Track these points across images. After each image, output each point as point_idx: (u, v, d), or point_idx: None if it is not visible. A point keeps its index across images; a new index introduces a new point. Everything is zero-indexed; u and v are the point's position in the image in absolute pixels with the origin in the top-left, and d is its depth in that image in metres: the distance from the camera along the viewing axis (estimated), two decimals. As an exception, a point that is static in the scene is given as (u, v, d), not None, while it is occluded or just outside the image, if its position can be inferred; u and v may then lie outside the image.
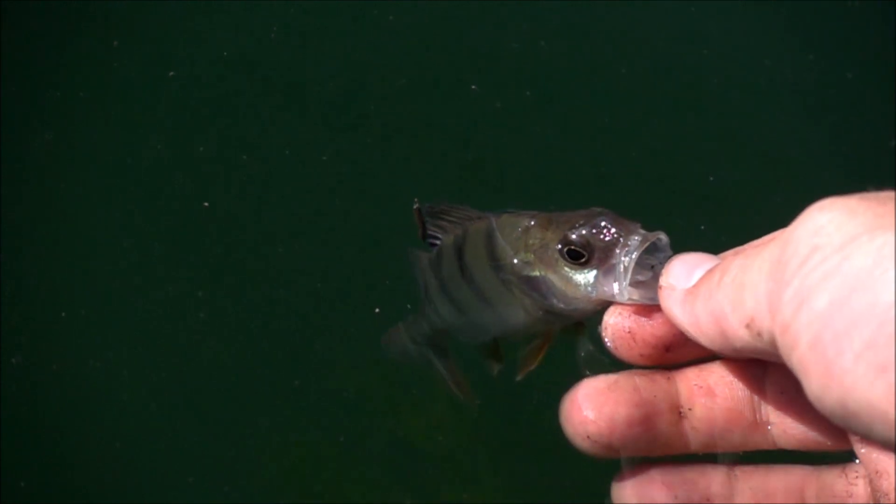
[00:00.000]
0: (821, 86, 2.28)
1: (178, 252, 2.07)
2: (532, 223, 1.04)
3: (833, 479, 0.86)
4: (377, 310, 1.45)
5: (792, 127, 2.25)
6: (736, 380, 0.87)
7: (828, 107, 2.27)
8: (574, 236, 0.97)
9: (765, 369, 0.86)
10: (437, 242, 1.20)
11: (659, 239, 0.91)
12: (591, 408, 0.84)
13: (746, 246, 0.80)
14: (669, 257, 0.88)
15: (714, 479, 0.88)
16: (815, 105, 2.27)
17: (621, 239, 0.94)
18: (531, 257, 1.03)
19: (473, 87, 2.27)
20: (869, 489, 0.84)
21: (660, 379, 0.87)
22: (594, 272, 0.95)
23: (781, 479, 0.88)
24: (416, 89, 2.28)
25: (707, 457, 0.89)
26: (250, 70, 2.29)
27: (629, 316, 0.87)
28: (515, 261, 1.05)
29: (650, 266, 0.90)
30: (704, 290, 0.78)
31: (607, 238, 0.94)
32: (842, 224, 0.67)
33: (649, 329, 0.86)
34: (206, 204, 2.11)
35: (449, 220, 1.19)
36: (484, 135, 2.23)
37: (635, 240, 0.92)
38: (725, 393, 0.87)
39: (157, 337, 1.98)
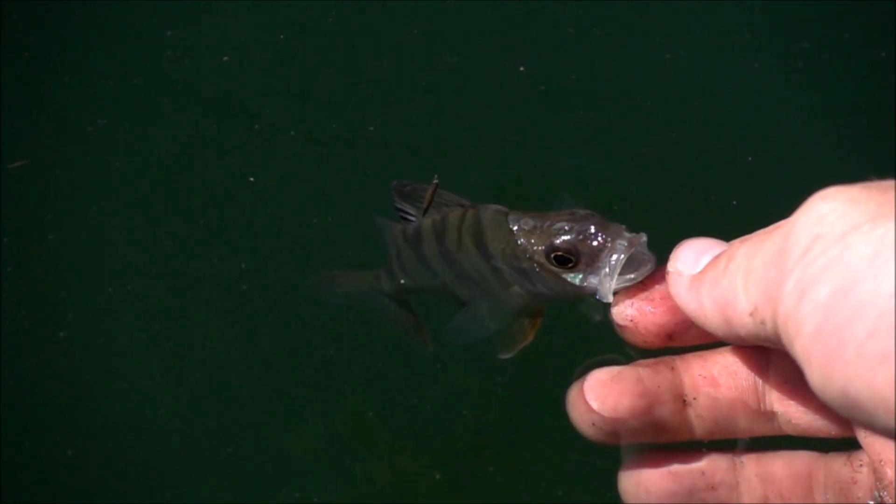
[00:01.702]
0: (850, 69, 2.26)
1: (223, 227, 2.10)
2: (517, 228, 1.07)
3: (839, 465, 0.86)
4: (402, 281, 1.47)
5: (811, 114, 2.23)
6: (740, 370, 0.87)
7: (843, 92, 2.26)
8: (560, 242, 1.00)
9: (768, 359, 0.87)
10: (412, 219, 1.24)
11: (642, 242, 0.94)
12: (595, 398, 0.85)
13: (754, 234, 0.80)
14: (644, 244, 0.92)
15: (719, 466, 0.89)
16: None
17: (607, 244, 0.97)
18: (520, 253, 1.06)
19: (522, 68, 2.28)
20: (873, 477, 0.84)
21: (663, 370, 0.88)
22: (581, 274, 0.99)
23: (787, 465, 0.88)
24: (466, 67, 2.28)
25: (713, 444, 0.90)
26: (303, 50, 2.32)
27: (632, 305, 0.88)
28: (505, 253, 1.08)
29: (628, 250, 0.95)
30: (710, 277, 0.79)
31: (593, 244, 0.97)
32: (844, 213, 0.67)
33: (651, 318, 0.87)
34: (252, 179, 2.14)
35: (424, 203, 1.22)
36: (525, 114, 2.23)
37: (621, 244, 0.95)
38: (729, 383, 0.87)
39: (201, 309, 2.01)
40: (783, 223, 0.73)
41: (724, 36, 2.32)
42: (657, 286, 0.88)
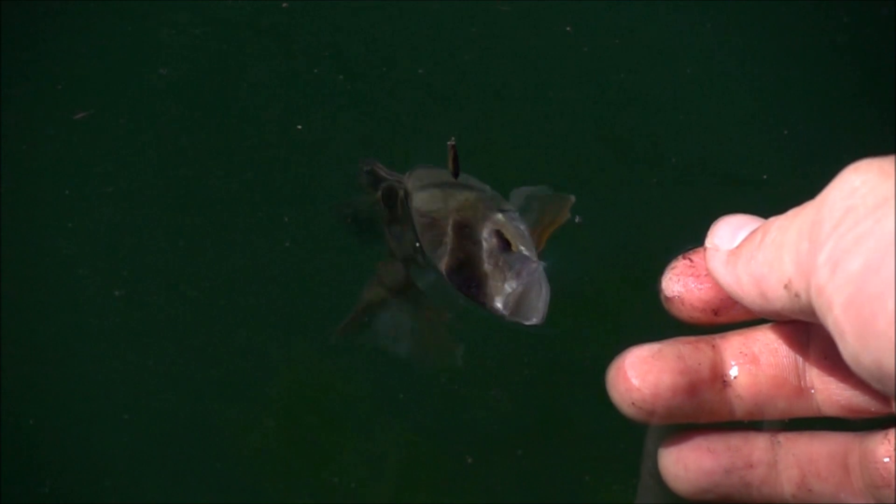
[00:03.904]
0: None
1: (267, 176, 2.10)
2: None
3: (876, 444, 0.85)
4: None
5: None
6: (780, 347, 0.88)
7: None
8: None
9: (808, 336, 0.87)
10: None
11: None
12: (636, 376, 0.85)
13: (791, 210, 0.80)
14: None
15: (757, 445, 0.89)
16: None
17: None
18: None
19: (568, 28, 2.27)
20: None
21: (704, 347, 0.88)
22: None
23: (824, 445, 0.88)
24: (516, 18, 2.28)
25: (751, 424, 0.90)
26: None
27: (678, 281, 0.88)
28: None
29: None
30: (746, 251, 0.79)
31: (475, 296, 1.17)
32: (875, 186, 0.67)
33: (697, 294, 0.87)
34: (300, 126, 2.14)
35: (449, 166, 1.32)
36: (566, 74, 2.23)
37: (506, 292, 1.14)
38: (769, 360, 0.87)
39: (242, 259, 2.01)
40: (817, 197, 0.73)
41: (763, 8, 2.29)
42: (703, 262, 0.88)
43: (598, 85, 2.21)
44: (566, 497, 1.79)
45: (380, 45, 2.25)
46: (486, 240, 1.19)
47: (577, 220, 1.74)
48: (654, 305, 0.92)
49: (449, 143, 1.24)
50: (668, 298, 0.89)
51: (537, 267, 1.17)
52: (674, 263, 0.90)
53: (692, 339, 0.89)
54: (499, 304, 1.15)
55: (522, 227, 1.28)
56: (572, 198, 1.42)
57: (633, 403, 0.85)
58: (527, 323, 1.12)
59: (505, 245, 1.19)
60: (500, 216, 1.29)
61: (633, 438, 0.95)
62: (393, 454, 1.84)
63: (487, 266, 1.16)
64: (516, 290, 1.15)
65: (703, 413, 0.87)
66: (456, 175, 1.28)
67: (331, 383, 1.90)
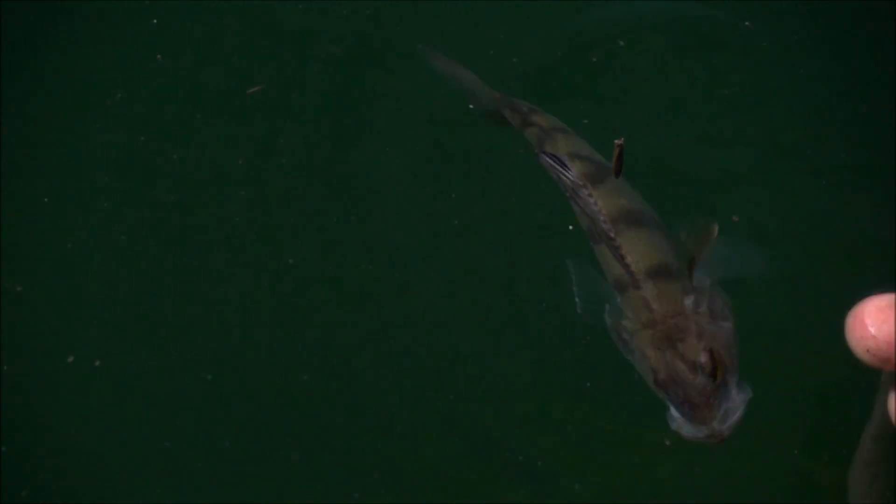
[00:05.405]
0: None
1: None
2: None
3: None
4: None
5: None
6: None
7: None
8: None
9: None
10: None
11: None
12: (872, 324, 0.88)
13: None
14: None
15: None
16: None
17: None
18: None
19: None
20: None
21: None
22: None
23: None
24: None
25: None
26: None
27: None
28: None
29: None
30: None
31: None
32: None
33: None
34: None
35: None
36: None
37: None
38: None
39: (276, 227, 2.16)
40: None
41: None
42: None
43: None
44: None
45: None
46: (700, 363, 1.22)
47: (734, 218, 1.92)
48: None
49: (617, 142, 1.30)
50: None
51: (743, 402, 1.26)
52: None
53: None
54: (694, 432, 1.23)
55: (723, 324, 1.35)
56: (716, 227, 1.53)
57: (867, 350, 0.88)
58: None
59: (713, 371, 1.22)
60: (706, 325, 1.32)
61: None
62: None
63: (698, 398, 1.19)
64: (718, 429, 1.22)
65: None
66: (618, 174, 1.34)
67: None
